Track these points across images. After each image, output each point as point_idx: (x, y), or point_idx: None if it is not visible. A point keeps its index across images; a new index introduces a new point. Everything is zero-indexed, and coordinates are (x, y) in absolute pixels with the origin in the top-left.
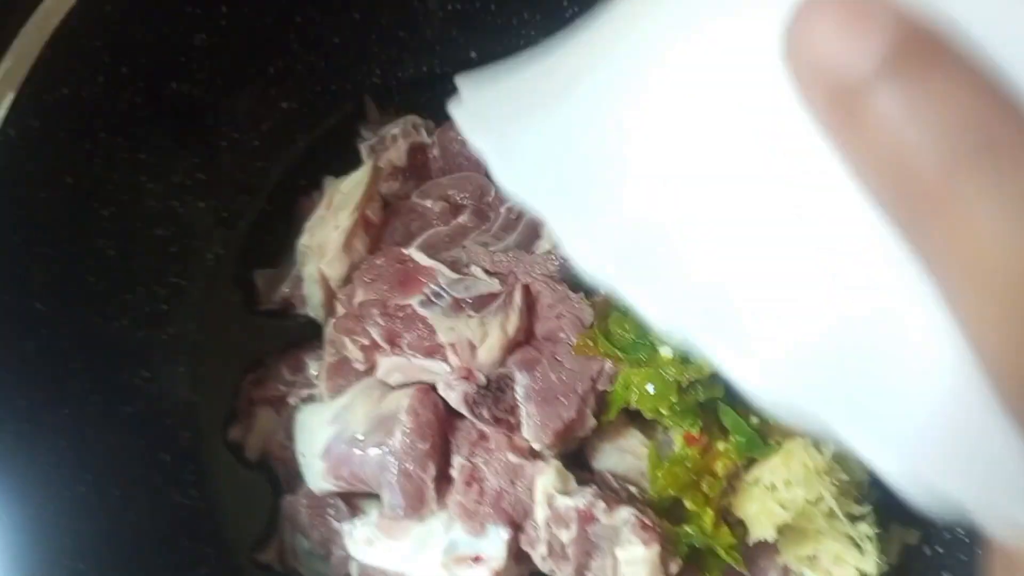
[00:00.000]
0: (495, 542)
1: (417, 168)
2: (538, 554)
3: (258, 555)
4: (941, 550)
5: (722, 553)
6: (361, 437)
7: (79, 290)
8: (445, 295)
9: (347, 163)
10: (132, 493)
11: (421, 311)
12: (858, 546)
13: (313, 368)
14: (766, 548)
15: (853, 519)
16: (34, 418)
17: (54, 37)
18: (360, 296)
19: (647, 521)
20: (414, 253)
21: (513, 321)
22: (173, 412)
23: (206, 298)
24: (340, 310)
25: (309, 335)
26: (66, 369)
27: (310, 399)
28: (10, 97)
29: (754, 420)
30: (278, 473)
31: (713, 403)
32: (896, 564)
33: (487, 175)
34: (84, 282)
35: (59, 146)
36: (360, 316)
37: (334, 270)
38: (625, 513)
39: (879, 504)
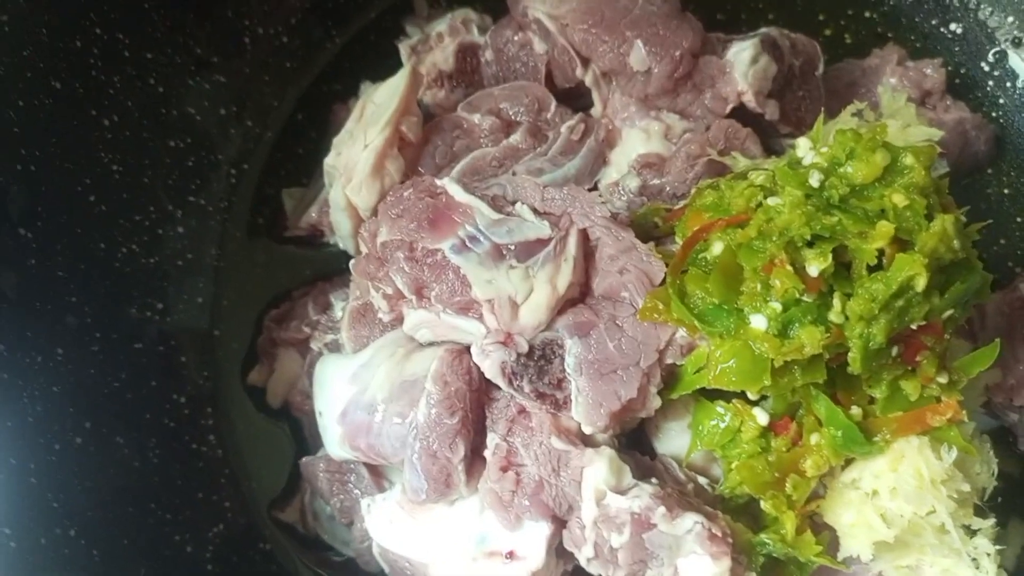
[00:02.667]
0: (533, 537)
1: (466, 74)
2: (583, 555)
3: (279, 513)
4: None
5: (805, 563)
6: (381, 404)
7: (75, 212)
8: (483, 239)
9: (390, 67)
10: (141, 440)
11: (454, 258)
12: (975, 561)
13: (339, 308)
14: None
15: (972, 533)
16: (16, 364)
17: None
18: (384, 235)
19: (716, 531)
20: (449, 185)
21: (565, 274)
22: (189, 348)
23: (227, 220)
24: (362, 249)
25: (339, 267)
26: (60, 303)
27: (334, 345)
28: None
29: (856, 412)
30: (301, 424)
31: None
32: (1014, 568)
33: (547, 86)
34: (82, 202)
35: (42, 43)
36: (383, 259)
37: (362, 198)
38: (690, 521)
39: (998, 496)
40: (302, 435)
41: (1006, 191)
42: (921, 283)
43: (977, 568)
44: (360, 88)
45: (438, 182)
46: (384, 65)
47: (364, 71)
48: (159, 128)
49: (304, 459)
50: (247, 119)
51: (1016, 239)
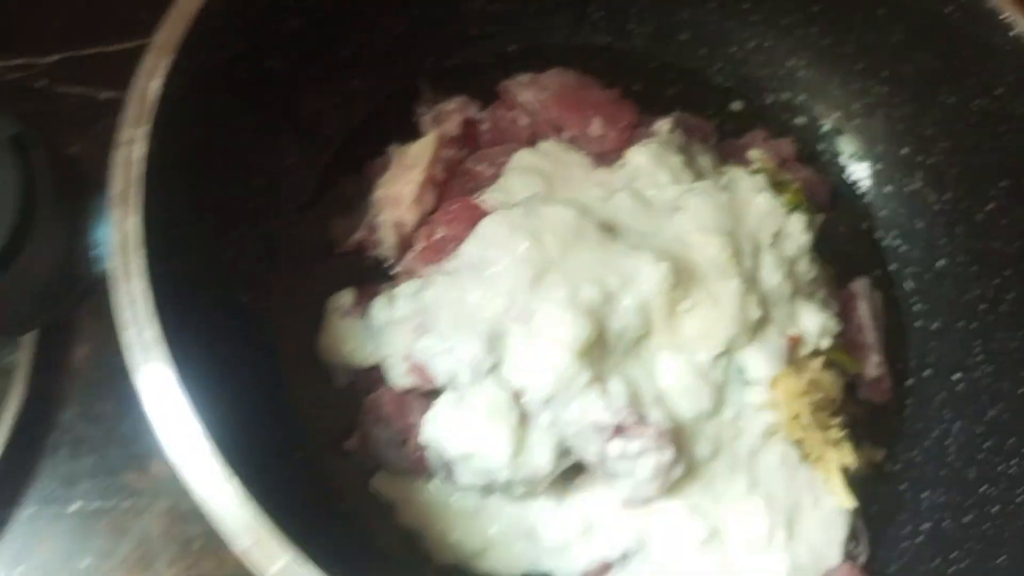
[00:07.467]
0: None
1: (469, 139)
2: None
3: (343, 443)
4: (898, 467)
5: None
6: None
7: (201, 225)
8: None
9: (405, 133)
10: (246, 392)
11: None
12: (835, 445)
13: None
14: None
15: (827, 427)
16: (185, 321)
17: (197, 14)
18: (440, 233)
19: None
20: (483, 202)
21: None
22: (270, 328)
23: (291, 241)
24: (420, 245)
25: (377, 274)
26: (196, 287)
27: None
28: (168, 59)
29: None
30: (360, 375)
31: None
32: (864, 477)
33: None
34: (203, 218)
35: (193, 104)
36: (439, 249)
37: (410, 217)
38: None
39: (851, 425)
40: (361, 384)
41: (840, 228)
42: None
43: (839, 450)
44: (388, 149)
45: (475, 199)
46: (400, 132)
47: (387, 138)
48: (248, 170)
49: (371, 395)
50: (303, 169)
51: (846, 260)
